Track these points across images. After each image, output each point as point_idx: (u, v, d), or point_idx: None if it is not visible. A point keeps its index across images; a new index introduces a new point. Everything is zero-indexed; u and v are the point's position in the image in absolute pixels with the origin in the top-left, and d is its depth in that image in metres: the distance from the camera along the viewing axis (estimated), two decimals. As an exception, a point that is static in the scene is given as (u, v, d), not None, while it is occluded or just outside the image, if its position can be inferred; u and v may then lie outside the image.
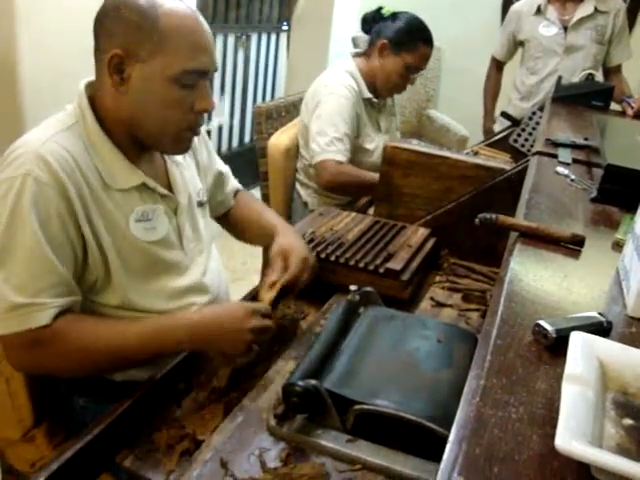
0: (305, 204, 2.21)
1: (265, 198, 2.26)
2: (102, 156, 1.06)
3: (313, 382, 0.93)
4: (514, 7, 3.06)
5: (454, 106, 4.32)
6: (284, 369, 1.11)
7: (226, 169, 1.47)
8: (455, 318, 1.35)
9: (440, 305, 1.40)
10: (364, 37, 2.31)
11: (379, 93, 2.17)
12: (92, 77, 1.10)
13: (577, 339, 0.56)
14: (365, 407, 0.93)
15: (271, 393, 1.03)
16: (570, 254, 0.89)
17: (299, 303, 1.37)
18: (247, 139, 4.01)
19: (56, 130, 1.03)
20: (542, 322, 0.62)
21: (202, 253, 1.26)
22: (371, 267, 1.35)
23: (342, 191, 2.12)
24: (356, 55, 2.21)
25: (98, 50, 1.05)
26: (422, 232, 1.54)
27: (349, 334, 1.15)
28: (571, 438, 0.42)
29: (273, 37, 4.00)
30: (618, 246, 0.94)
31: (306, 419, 0.94)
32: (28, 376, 1.13)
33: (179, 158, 1.23)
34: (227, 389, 1.07)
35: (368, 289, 1.24)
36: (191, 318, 1.05)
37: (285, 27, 4.06)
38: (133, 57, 1.01)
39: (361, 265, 1.36)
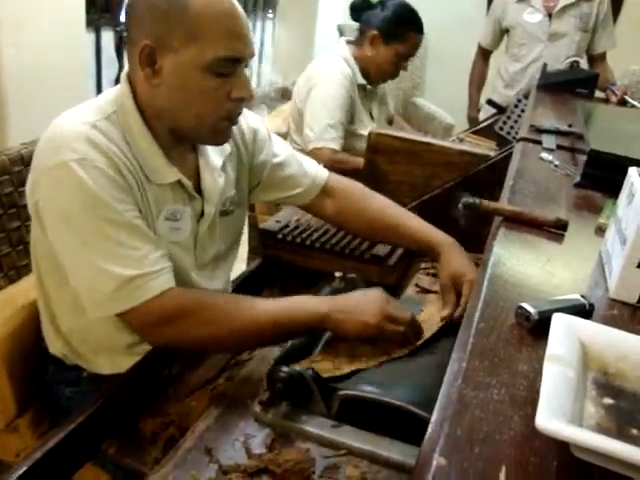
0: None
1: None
2: (141, 149, 1.03)
3: (297, 368, 0.93)
4: None
5: (440, 94, 4.31)
6: (268, 356, 1.10)
7: (296, 165, 1.33)
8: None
9: (425, 291, 1.40)
10: (350, 25, 2.30)
11: (372, 80, 2.18)
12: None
13: (559, 320, 0.56)
14: (350, 393, 0.93)
15: (256, 380, 1.03)
16: (553, 238, 0.90)
17: (284, 290, 1.37)
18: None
19: (97, 118, 1.00)
20: (525, 305, 0.63)
21: (211, 267, 1.22)
22: (356, 253, 1.35)
23: None
24: (348, 42, 2.21)
25: (130, 42, 1.01)
26: (407, 219, 1.54)
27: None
28: (551, 417, 0.42)
29: (259, 25, 3.97)
30: (601, 230, 0.95)
31: (291, 405, 0.94)
32: (10, 366, 1.12)
33: (216, 161, 1.16)
34: (213, 377, 1.07)
35: (352, 275, 1.24)
36: (332, 298, 1.05)
37: (270, 15, 4.03)
38: (164, 47, 0.96)
39: (346, 252, 1.36)
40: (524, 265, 0.81)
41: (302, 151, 2.13)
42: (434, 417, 0.47)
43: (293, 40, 3.95)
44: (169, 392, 1.05)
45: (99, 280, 0.95)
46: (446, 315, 1.11)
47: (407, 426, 0.91)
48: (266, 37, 4.09)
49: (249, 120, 1.26)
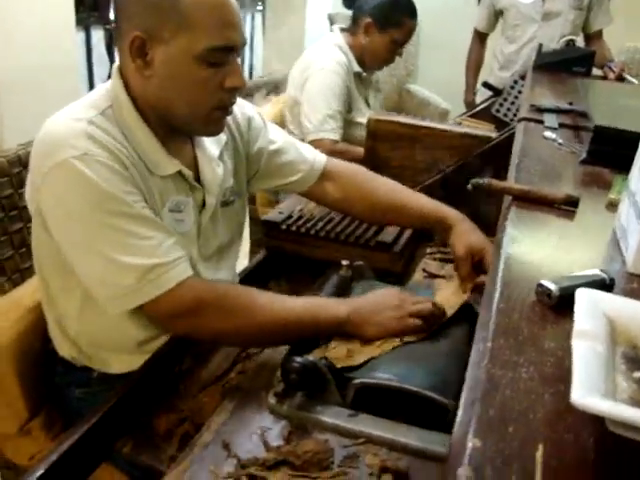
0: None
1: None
2: (139, 142, 1.02)
3: (311, 358, 0.92)
4: None
5: (434, 80, 4.30)
6: (280, 348, 1.09)
7: (295, 151, 1.32)
8: (448, 289, 1.34)
9: (433, 276, 1.39)
10: (341, 14, 2.30)
11: (367, 67, 2.17)
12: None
13: (583, 296, 0.55)
14: (365, 381, 0.92)
15: (269, 372, 1.02)
16: (565, 215, 0.88)
17: (291, 281, 1.36)
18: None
19: (92, 114, 0.98)
20: (545, 282, 0.61)
21: (215, 259, 1.21)
22: (362, 241, 1.34)
23: None
24: (342, 30, 2.19)
25: (119, 34, 0.99)
26: (411, 204, 1.53)
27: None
28: (586, 393, 0.41)
29: (248, 18, 3.95)
30: (612, 206, 0.93)
31: (306, 396, 0.93)
32: (19, 370, 1.11)
33: (213, 151, 1.15)
34: (225, 371, 1.06)
35: (359, 263, 1.23)
36: (352, 299, 1.06)
37: (260, 7, 4.01)
38: (155, 38, 0.95)
39: (351, 239, 1.35)
40: (538, 243, 0.80)
41: (301, 140, 2.14)
42: (463, 399, 0.46)
43: (284, 31, 3.92)
44: (181, 388, 1.04)
45: (117, 274, 0.94)
46: (470, 287, 1.11)
47: (424, 412, 0.90)
48: (256, 29, 4.07)
49: (243, 109, 1.25)
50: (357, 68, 2.12)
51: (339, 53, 2.09)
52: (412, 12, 2.10)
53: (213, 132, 1.09)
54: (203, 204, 1.13)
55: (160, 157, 1.04)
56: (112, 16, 2.52)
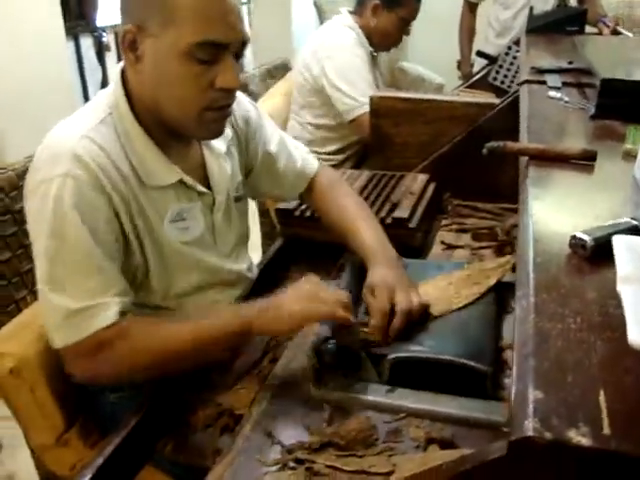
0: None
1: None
2: (137, 150, 1.00)
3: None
4: None
5: (426, 55, 4.27)
6: (309, 332, 1.09)
7: (290, 153, 1.29)
8: (469, 258, 1.34)
9: (451, 247, 1.39)
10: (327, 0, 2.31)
11: (376, 48, 2.18)
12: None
13: (620, 242, 0.54)
14: (400, 355, 0.92)
15: (301, 357, 1.02)
16: (583, 170, 0.88)
17: (311, 266, 1.35)
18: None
19: (90, 125, 0.97)
20: (578, 233, 0.61)
21: (235, 252, 1.20)
22: (377, 219, 1.33)
23: None
24: (350, 13, 2.20)
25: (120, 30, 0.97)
26: (421, 178, 1.53)
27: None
28: (643, 333, 0.41)
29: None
30: (629, 155, 0.93)
31: (342, 376, 0.93)
32: (54, 381, 1.11)
33: (220, 147, 1.13)
34: (256, 361, 1.06)
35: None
36: (267, 299, 0.96)
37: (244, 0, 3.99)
38: (145, 32, 0.93)
39: (367, 220, 1.34)
40: (561, 198, 0.79)
41: (310, 125, 2.15)
42: (516, 355, 0.46)
43: (270, 22, 3.90)
44: (215, 382, 1.04)
45: (49, 309, 0.94)
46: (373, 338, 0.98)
47: (460, 381, 0.90)
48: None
49: (241, 104, 1.22)
50: (370, 48, 2.14)
51: (352, 32, 2.11)
52: None
53: (209, 135, 1.05)
54: (214, 203, 1.12)
55: (159, 166, 1.02)
56: (99, 23, 2.51)
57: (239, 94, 1.18)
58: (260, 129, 1.25)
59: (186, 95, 0.96)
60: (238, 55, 1.00)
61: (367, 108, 1.95)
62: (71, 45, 2.49)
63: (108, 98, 1.02)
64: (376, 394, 0.90)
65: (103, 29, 2.50)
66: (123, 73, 1.02)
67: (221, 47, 0.94)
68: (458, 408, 0.87)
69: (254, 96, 2.23)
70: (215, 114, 0.99)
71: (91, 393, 1.17)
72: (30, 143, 1.02)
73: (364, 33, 2.15)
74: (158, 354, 0.95)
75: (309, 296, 0.93)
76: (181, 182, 1.05)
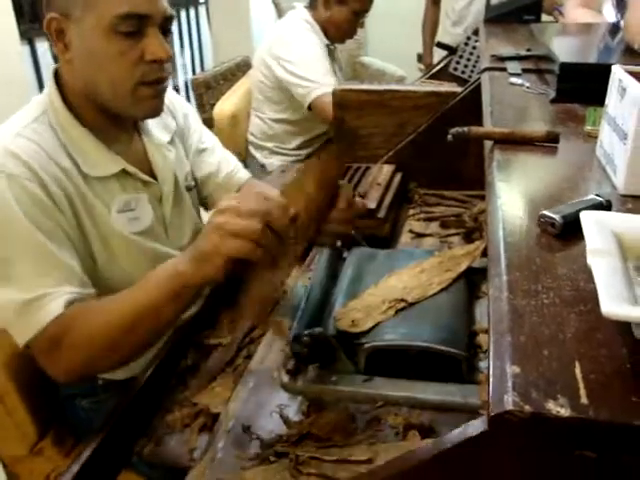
0: (263, 166, 2.19)
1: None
2: (76, 143, 0.99)
3: (319, 330, 0.92)
4: None
5: (385, 49, 4.29)
6: (282, 326, 1.09)
7: (223, 157, 1.31)
8: (438, 246, 1.35)
9: (420, 236, 1.40)
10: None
11: (332, 41, 2.18)
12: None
13: (588, 217, 0.55)
14: (376, 344, 0.92)
15: (276, 352, 1.01)
16: (548, 152, 0.89)
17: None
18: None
19: (23, 124, 0.96)
20: (546, 212, 0.62)
21: (191, 241, 1.19)
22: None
23: None
24: (305, 7, 2.21)
25: (43, 22, 0.97)
26: (387, 169, 1.53)
27: (339, 279, 1.13)
28: (614, 303, 0.41)
29: (192, 11, 3.89)
30: (590, 137, 0.94)
31: (318, 368, 0.92)
32: (24, 389, 1.08)
33: (162, 137, 1.14)
34: (231, 358, 1.05)
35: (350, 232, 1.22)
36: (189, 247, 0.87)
37: (202, 0, 3.95)
38: (69, 18, 0.94)
39: (335, 212, 1.34)
40: (528, 180, 0.80)
41: (271, 120, 2.14)
42: (492, 332, 0.46)
43: (229, 20, 3.88)
44: (190, 382, 1.03)
45: (2, 309, 0.90)
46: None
47: (436, 367, 0.90)
48: (202, 21, 4.02)
49: (180, 102, 1.25)
50: (326, 41, 2.14)
51: (308, 26, 2.11)
52: None
53: (147, 112, 1.04)
54: (161, 194, 1.11)
55: (100, 156, 1.01)
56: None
57: (175, 96, 1.18)
58: (198, 125, 1.28)
59: (117, 72, 0.96)
60: (165, 31, 1.00)
61: (325, 90, 1.96)
62: (26, 49, 2.43)
63: (42, 98, 1.02)
64: (352, 384, 0.90)
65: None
66: (56, 73, 1.02)
67: (145, 19, 0.95)
68: (435, 394, 0.87)
69: (216, 95, 2.22)
70: (149, 89, 0.99)
71: (63, 399, 1.15)
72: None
73: (319, 26, 2.16)
74: (104, 339, 0.89)
75: (220, 232, 0.78)
76: (125, 172, 1.04)
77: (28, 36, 2.40)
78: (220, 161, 1.30)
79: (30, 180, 0.91)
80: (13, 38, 2.09)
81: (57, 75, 1.02)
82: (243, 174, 1.33)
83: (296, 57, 2.05)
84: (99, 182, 1.01)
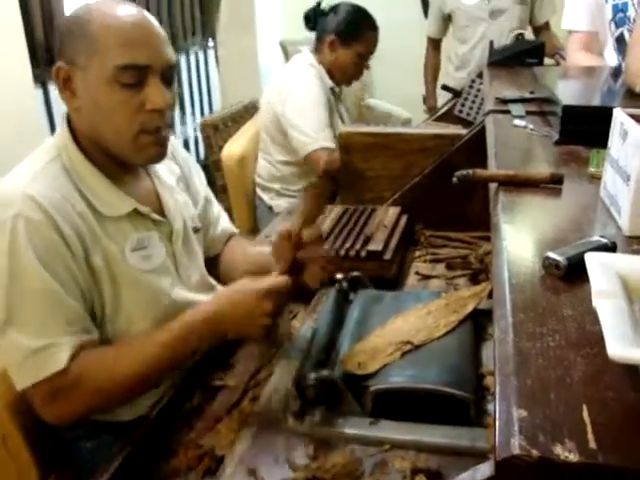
0: (270, 208, 2.21)
1: (228, 212, 2.23)
2: (88, 184, 1.01)
3: (325, 372, 0.91)
4: None
5: (391, 91, 4.35)
6: (288, 368, 1.08)
7: (218, 210, 1.35)
8: (444, 287, 1.35)
9: (426, 278, 1.40)
10: (292, 40, 2.36)
11: (338, 83, 2.22)
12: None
13: (593, 259, 0.55)
14: (382, 387, 0.91)
15: (282, 393, 1.00)
16: (552, 193, 0.90)
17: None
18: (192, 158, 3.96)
19: (39, 166, 0.98)
20: (551, 254, 0.62)
21: (200, 282, 1.20)
22: (352, 253, 1.34)
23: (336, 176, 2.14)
24: (310, 51, 2.25)
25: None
26: (393, 211, 1.54)
27: (345, 321, 1.13)
28: (620, 346, 0.41)
29: (201, 55, 3.97)
30: (594, 178, 0.95)
31: (324, 410, 0.92)
32: (28, 430, 1.07)
33: (169, 181, 1.16)
34: (237, 401, 1.04)
35: (355, 274, 1.23)
36: (207, 311, 1.00)
37: (211, 43, 4.04)
38: (75, 67, 0.96)
39: (342, 253, 1.35)
40: (532, 221, 0.81)
41: (279, 163, 2.17)
42: (497, 375, 0.46)
43: (237, 64, 3.95)
44: (196, 424, 1.02)
45: (9, 350, 0.93)
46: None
47: (443, 409, 0.90)
48: (210, 65, 4.10)
49: (181, 151, 1.28)
50: (331, 83, 2.17)
51: (313, 69, 2.15)
52: (372, 25, 2.18)
53: (148, 160, 1.06)
54: (171, 233, 1.13)
55: (111, 197, 1.03)
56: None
57: (177, 144, 1.21)
58: (199, 175, 1.30)
59: (119, 120, 0.98)
60: (168, 80, 1.02)
61: (319, 145, 2.02)
62: (39, 92, 2.49)
63: (55, 141, 1.04)
64: (359, 427, 0.89)
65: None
66: (69, 116, 1.04)
67: (144, 69, 0.97)
68: (443, 437, 0.86)
69: (224, 137, 2.25)
70: (150, 137, 1.01)
71: (67, 442, 1.13)
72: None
73: (325, 69, 2.19)
74: (112, 391, 0.97)
75: (240, 315, 0.98)
76: (136, 212, 1.06)
77: (41, 79, 2.46)
78: (218, 215, 1.34)
79: (46, 225, 0.93)
80: (27, 81, 2.14)
81: (69, 119, 1.04)
82: (233, 230, 1.38)
83: (297, 109, 2.07)
84: (112, 222, 1.03)
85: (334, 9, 2.19)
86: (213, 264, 1.30)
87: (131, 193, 1.06)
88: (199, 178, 1.30)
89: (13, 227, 0.91)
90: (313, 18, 2.23)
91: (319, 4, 2.23)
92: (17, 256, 0.91)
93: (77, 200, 0.99)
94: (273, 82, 2.21)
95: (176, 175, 1.20)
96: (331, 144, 2.04)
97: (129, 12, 0.99)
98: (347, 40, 2.15)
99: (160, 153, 1.05)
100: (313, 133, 2.03)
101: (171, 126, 1.05)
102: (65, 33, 0.99)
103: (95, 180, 1.02)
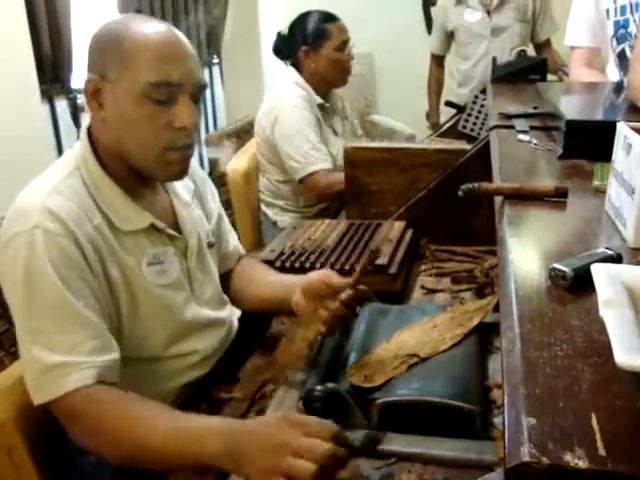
0: (274, 223, 2.21)
1: (232, 227, 2.24)
2: (107, 198, 1.02)
3: (331, 385, 0.91)
4: (439, 2, 3.20)
5: (394, 107, 4.38)
6: (294, 382, 1.08)
7: (229, 227, 1.38)
8: (449, 301, 1.35)
9: (432, 292, 1.40)
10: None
11: (323, 93, 2.21)
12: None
13: (599, 270, 0.56)
14: (388, 399, 0.92)
15: (288, 407, 1.01)
16: (557, 206, 0.90)
17: (293, 318, 1.35)
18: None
19: (58, 179, 0.99)
20: (557, 265, 0.62)
21: (213, 298, 1.21)
22: (358, 267, 1.34)
23: (334, 198, 2.15)
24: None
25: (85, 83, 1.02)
26: (398, 225, 1.55)
27: (352, 335, 1.14)
28: (628, 354, 0.42)
29: (206, 71, 4.01)
30: (598, 191, 0.96)
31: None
32: (33, 444, 1.07)
33: (185, 196, 1.17)
34: (243, 413, 1.04)
35: (362, 288, 1.23)
36: (229, 424, 0.86)
37: (216, 60, 4.08)
38: (105, 79, 0.98)
39: (347, 267, 1.35)
40: (538, 234, 0.81)
41: (278, 181, 2.18)
42: (506, 385, 0.46)
43: (242, 80, 3.99)
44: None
45: (27, 363, 0.93)
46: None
47: (450, 422, 0.90)
48: (215, 81, 4.13)
49: (197, 169, 1.29)
50: (319, 100, 2.18)
51: (298, 89, 2.15)
52: (330, 17, 2.20)
53: (174, 175, 1.07)
54: (186, 248, 1.13)
55: (129, 211, 1.04)
56: (74, 85, 2.54)
57: (192, 161, 1.22)
58: (212, 192, 1.31)
59: (146, 136, 0.99)
60: (196, 99, 1.03)
61: (312, 169, 2.04)
62: (47, 108, 2.51)
63: (75, 154, 1.05)
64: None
65: (78, 91, 2.52)
66: (89, 130, 1.06)
67: (176, 87, 0.98)
68: (449, 450, 0.86)
69: (228, 154, 2.26)
70: (175, 154, 1.02)
71: (71, 454, 1.13)
72: (6, 207, 1.02)
73: (312, 84, 2.20)
74: (124, 436, 0.88)
75: (276, 461, 0.75)
76: (153, 227, 1.07)
77: (49, 95, 2.49)
78: (229, 232, 1.35)
79: (64, 237, 0.93)
80: (35, 97, 2.17)
81: (89, 132, 1.05)
82: (241, 250, 1.39)
83: (286, 135, 2.09)
84: (128, 236, 1.04)
85: (291, 28, 2.22)
86: (224, 281, 1.30)
87: (148, 208, 1.07)
88: (212, 195, 1.31)
89: (31, 239, 0.92)
90: (281, 45, 2.26)
91: (279, 32, 2.28)
92: (35, 269, 0.91)
93: (94, 213, 1.00)
94: (264, 103, 2.22)
95: (191, 191, 1.20)
96: (325, 164, 2.05)
97: (161, 29, 1.00)
98: (316, 42, 2.16)
99: (183, 170, 1.06)
100: (302, 158, 2.05)
101: (194, 144, 1.06)
102: (97, 47, 1.01)
103: (113, 194, 1.03)
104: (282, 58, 2.29)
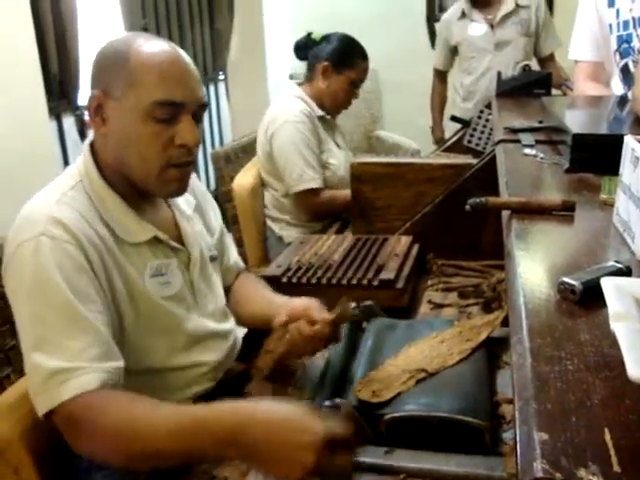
0: (280, 238, 2.21)
1: (239, 242, 2.25)
2: (109, 210, 1.03)
3: (339, 400, 0.91)
4: (442, 17, 3.20)
5: (400, 123, 4.40)
6: (302, 398, 1.08)
7: (230, 242, 1.38)
8: (457, 316, 1.35)
9: (439, 306, 1.40)
10: (301, 74, 2.37)
11: (328, 112, 2.23)
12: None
13: (608, 283, 0.55)
14: (396, 415, 0.91)
15: (296, 423, 1.00)
16: (564, 220, 0.90)
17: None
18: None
19: (62, 191, 1.00)
20: (566, 279, 0.62)
21: (217, 310, 1.21)
22: (364, 282, 1.34)
23: (325, 216, 2.17)
24: (299, 84, 2.26)
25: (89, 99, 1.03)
26: (405, 240, 1.55)
27: (359, 350, 1.13)
28: (641, 368, 0.41)
29: (212, 88, 4.04)
30: (606, 205, 0.95)
31: (339, 439, 0.91)
32: (40, 461, 1.07)
33: (187, 210, 1.18)
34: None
35: (368, 303, 1.23)
36: (238, 412, 0.85)
37: (221, 76, 4.11)
38: (109, 96, 0.99)
39: (354, 282, 1.35)
40: (546, 248, 0.81)
41: (282, 196, 2.18)
42: (517, 400, 0.46)
43: (248, 97, 4.02)
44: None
45: (31, 371, 0.92)
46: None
47: (458, 437, 0.89)
48: (221, 97, 4.16)
49: (198, 184, 1.29)
50: (320, 112, 2.19)
51: (299, 102, 2.16)
52: (364, 54, 2.22)
53: (171, 192, 1.09)
54: (189, 260, 1.14)
55: (132, 224, 1.05)
56: (81, 102, 2.56)
57: (194, 176, 1.22)
58: (213, 208, 1.32)
59: (147, 153, 1.01)
60: (198, 119, 1.05)
61: (303, 187, 2.06)
62: (54, 124, 2.54)
63: (78, 168, 1.06)
64: (374, 456, 0.88)
65: (85, 108, 2.54)
66: (92, 145, 1.07)
67: (179, 107, 1.00)
68: (458, 466, 0.85)
69: (235, 168, 2.27)
70: (176, 172, 1.04)
71: (77, 471, 1.13)
72: (13, 221, 1.02)
73: (315, 99, 2.20)
74: (127, 438, 0.88)
75: (282, 450, 0.80)
76: (156, 239, 1.08)
77: (56, 112, 2.51)
78: (230, 246, 1.36)
79: (71, 243, 0.94)
80: (42, 114, 2.18)
81: (92, 147, 1.07)
82: (240, 264, 1.38)
83: (279, 151, 2.10)
84: (132, 248, 1.04)
85: (326, 38, 2.22)
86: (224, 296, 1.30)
87: (151, 221, 1.08)
88: (214, 210, 1.32)
89: (37, 245, 0.92)
90: (304, 47, 2.27)
91: (310, 34, 2.27)
92: (41, 275, 0.92)
93: (98, 224, 1.01)
94: (265, 118, 2.23)
95: (192, 205, 1.21)
96: (315, 184, 2.06)
97: (166, 49, 1.02)
98: (340, 66, 2.17)
99: (182, 188, 1.08)
100: (296, 175, 2.07)
101: (194, 161, 1.07)
102: (101, 64, 1.02)
103: (116, 206, 1.04)
104: (299, 57, 2.31)
